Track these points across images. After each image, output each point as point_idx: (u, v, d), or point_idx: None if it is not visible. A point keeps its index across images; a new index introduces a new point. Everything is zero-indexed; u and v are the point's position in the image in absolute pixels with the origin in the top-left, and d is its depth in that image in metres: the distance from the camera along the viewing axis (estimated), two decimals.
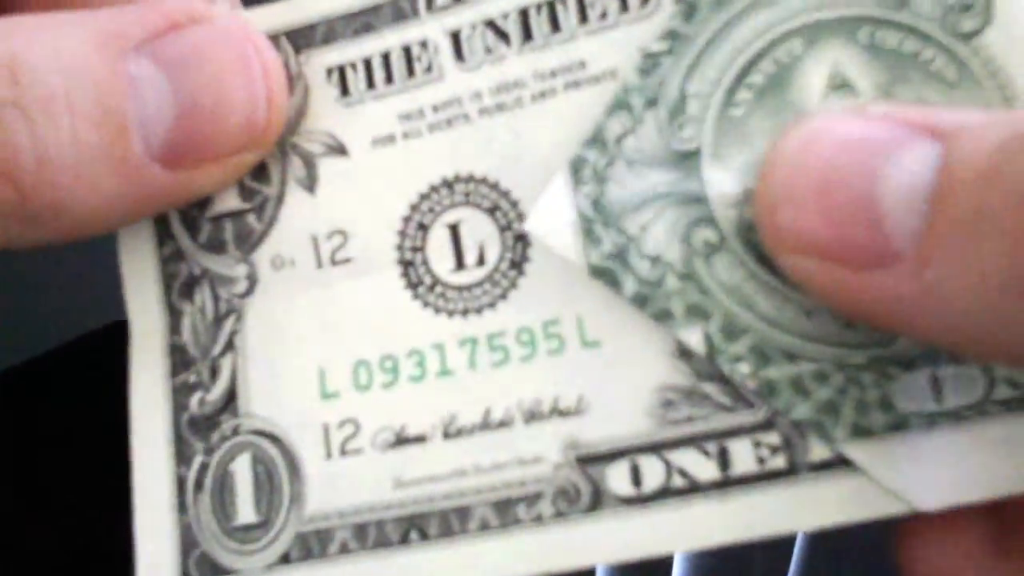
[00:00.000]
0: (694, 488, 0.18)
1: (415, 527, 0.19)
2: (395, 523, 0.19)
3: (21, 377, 0.36)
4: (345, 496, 0.20)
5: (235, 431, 0.21)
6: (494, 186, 0.20)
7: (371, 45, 0.21)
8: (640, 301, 0.18)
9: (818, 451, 0.18)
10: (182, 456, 0.21)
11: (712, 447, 0.18)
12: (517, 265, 0.20)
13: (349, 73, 0.21)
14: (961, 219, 0.15)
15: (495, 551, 0.19)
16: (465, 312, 0.20)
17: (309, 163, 0.21)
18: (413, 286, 0.20)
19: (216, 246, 0.21)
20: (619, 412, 0.19)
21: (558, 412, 0.19)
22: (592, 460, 0.19)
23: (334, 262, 0.21)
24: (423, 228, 0.20)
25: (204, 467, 0.21)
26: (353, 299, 0.21)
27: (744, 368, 0.18)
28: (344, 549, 0.19)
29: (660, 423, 0.18)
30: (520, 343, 0.19)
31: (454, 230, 0.20)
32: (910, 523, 0.19)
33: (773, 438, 0.18)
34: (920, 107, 0.16)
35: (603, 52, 0.19)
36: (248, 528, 0.20)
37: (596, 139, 0.19)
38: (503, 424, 0.19)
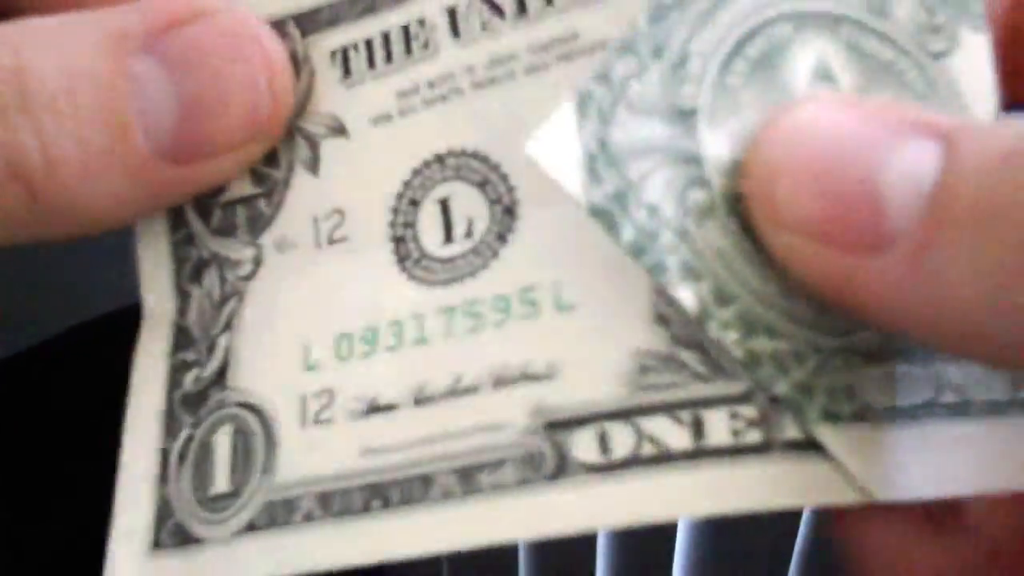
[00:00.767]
0: (665, 457, 0.17)
1: (378, 495, 0.19)
2: (360, 491, 0.19)
3: (33, 359, 0.36)
4: (315, 465, 0.19)
5: (220, 404, 0.21)
6: (484, 159, 0.20)
7: (373, 26, 0.21)
8: (636, 250, 0.17)
9: (792, 430, 0.17)
10: (170, 430, 0.21)
11: (686, 416, 0.17)
12: (501, 237, 0.19)
13: (351, 54, 0.21)
14: (967, 207, 0.15)
15: (456, 519, 0.18)
16: (447, 283, 0.19)
17: (313, 145, 0.21)
18: (402, 260, 0.20)
19: (227, 231, 0.21)
20: (591, 377, 0.18)
21: (526, 377, 0.18)
22: (559, 426, 0.18)
23: (331, 241, 0.21)
24: (414, 204, 0.20)
25: (189, 439, 0.21)
26: (344, 275, 0.20)
27: (732, 335, 0.17)
28: (308, 517, 0.19)
29: (633, 389, 0.18)
30: (496, 310, 0.19)
31: (444, 204, 0.20)
32: None
33: (750, 411, 0.17)
34: (917, 107, 0.17)
35: (596, 23, 0.19)
36: (221, 497, 0.20)
37: (603, 76, 0.18)
38: (470, 390, 0.19)
